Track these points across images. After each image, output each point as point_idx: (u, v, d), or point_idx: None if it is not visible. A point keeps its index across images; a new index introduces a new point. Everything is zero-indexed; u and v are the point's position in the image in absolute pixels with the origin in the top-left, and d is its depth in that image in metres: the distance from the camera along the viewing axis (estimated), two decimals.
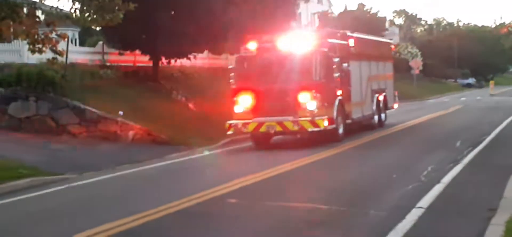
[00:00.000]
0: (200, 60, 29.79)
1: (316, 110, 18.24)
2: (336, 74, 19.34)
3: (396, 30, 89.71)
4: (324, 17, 65.40)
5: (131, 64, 27.38)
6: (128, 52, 26.37)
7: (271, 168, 14.05)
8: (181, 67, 28.41)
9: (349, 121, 20.47)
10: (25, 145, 18.05)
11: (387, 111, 25.53)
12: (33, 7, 16.65)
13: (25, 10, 16.28)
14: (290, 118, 18.19)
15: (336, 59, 19.42)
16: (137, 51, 26.32)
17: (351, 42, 21.51)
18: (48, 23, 16.32)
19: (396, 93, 27.72)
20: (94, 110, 20.39)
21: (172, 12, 23.93)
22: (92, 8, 15.96)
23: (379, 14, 70.19)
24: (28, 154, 16.59)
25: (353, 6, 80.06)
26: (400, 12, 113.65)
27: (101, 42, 27.37)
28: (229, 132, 18.89)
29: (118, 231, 8.65)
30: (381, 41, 28.36)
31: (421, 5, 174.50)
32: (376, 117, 23.71)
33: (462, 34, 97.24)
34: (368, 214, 9.10)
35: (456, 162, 13.79)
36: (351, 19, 56.62)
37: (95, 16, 16.09)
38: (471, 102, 44.06)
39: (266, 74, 18.77)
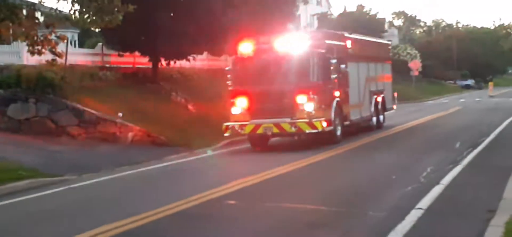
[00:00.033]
0: (199, 61, 29.74)
1: (313, 112, 18.13)
2: (334, 76, 19.26)
3: (395, 31, 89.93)
4: (323, 18, 65.49)
5: (131, 65, 27.35)
6: (127, 53, 26.31)
7: (269, 169, 14.04)
8: (181, 69, 28.37)
9: (347, 123, 20.42)
10: (25, 146, 18.02)
11: (386, 113, 25.49)
12: (33, 8, 16.64)
13: (24, 11, 16.27)
14: (288, 120, 18.09)
15: (334, 61, 19.34)
16: (137, 53, 26.28)
17: (349, 44, 21.46)
18: (48, 24, 16.34)
19: (396, 95, 27.71)
20: (93, 111, 20.36)
21: (172, 14, 23.90)
22: (91, 9, 15.94)
23: (378, 16, 70.35)
24: (27, 155, 16.59)
25: (352, 8, 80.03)
26: (399, 14, 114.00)
27: (100, 44, 27.35)
28: (226, 134, 18.84)
29: (117, 232, 8.67)
30: (379, 43, 28.27)
31: (421, 6, 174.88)
32: (374, 119, 23.66)
33: (461, 35, 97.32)
34: (368, 215, 9.11)
35: (456, 163, 13.81)
36: (350, 21, 56.71)
37: (94, 18, 16.08)
38: (470, 104, 44.07)
39: (263, 75, 18.68)
